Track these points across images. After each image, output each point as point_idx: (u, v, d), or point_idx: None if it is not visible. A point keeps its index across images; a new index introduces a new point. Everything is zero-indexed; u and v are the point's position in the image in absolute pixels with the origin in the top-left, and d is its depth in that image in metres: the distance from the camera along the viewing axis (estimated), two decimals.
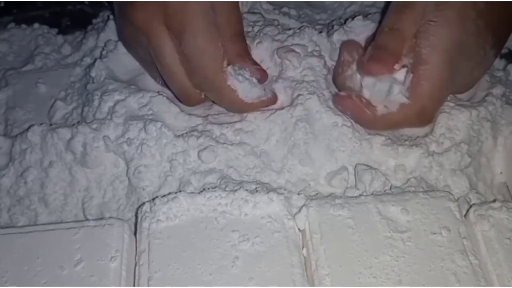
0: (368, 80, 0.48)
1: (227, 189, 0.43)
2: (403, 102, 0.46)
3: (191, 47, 0.46)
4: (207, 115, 0.50)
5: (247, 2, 0.61)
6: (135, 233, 0.41)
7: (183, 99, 0.50)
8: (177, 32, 0.46)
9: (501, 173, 0.50)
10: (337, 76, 0.51)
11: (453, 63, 0.46)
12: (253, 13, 0.60)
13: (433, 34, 0.45)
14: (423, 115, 0.47)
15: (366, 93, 0.48)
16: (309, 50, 0.52)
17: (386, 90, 0.47)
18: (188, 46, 0.46)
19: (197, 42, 0.46)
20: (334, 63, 0.53)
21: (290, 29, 0.56)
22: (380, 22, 0.51)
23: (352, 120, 0.48)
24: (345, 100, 0.48)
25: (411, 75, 0.46)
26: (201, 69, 0.47)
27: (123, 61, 0.55)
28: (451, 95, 0.52)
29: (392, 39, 0.47)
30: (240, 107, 0.48)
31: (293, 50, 0.51)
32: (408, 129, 0.49)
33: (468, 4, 0.45)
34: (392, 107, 0.46)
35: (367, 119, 0.47)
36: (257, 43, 0.53)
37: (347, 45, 0.52)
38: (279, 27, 0.56)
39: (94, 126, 0.48)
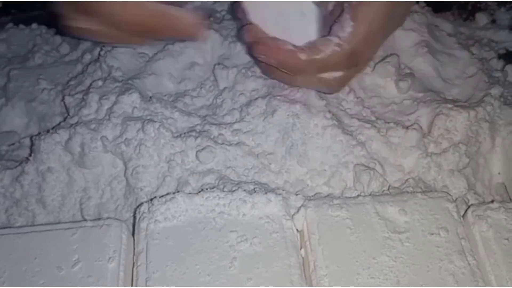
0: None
1: (225, 189, 0.43)
2: (336, 43, 0.43)
3: None
4: None
5: None
6: (133, 234, 0.41)
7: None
8: None
9: (499, 173, 0.50)
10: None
11: (393, 8, 0.45)
12: None
13: None
14: (353, 58, 0.45)
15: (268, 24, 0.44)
16: None
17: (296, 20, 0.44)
18: None
19: None
20: None
21: None
22: None
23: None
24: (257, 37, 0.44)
25: (346, 15, 0.43)
26: None
27: (122, 61, 0.55)
28: (449, 97, 0.52)
29: None
30: None
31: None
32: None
33: None
34: (321, 49, 0.43)
35: (292, 63, 0.44)
36: None
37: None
38: None
39: (92, 126, 0.48)
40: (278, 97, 0.49)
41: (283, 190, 0.44)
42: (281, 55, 0.44)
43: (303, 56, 0.44)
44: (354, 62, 0.45)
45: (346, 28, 0.43)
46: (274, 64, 0.45)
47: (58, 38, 0.64)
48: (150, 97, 0.51)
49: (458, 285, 0.37)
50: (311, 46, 0.44)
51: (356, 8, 0.44)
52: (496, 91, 0.51)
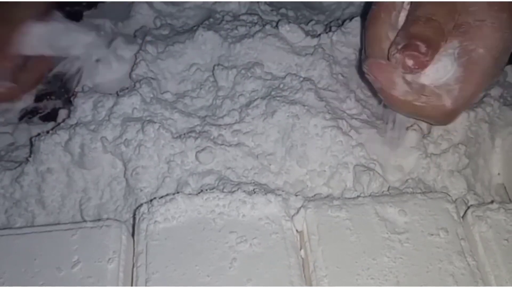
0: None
1: (225, 190, 0.43)
2: (444, 103, 0.42)
3: None
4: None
5: (245, 2, 0.61)
6: (132, 235, 0.41)
7: None
8: None
9: (498, 174, 0.50)
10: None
11: (497, 69, 0.43)
12: (251, 14, 0.60)
13: (488, 37, 0.42)
14: (450, 117, 0.44)
15: None
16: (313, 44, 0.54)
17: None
18: None
19: None
20: (336, 61, 0.53)
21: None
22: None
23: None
24: (383, 69, 0.42)
25: (458, 71, 0.42)
26: None
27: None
28: None
29: (432, 31, 0.41)
30: None
31: None
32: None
33: None
34: (426, 98, 0.41)
35: (387, 96, 0.42)
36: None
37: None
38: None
39: (92, 127, 0.48)
40: (278, 98, 0.49)
41: (282, 191, 0.44)
42: (384, 85, 0.42)
43: (400, 95, 0.42)
44: (449, 119, 0.44)
45: (454, 90, 0.41)
46: (375, 86, 0.44)
47: None
48: (150, 98, 0.51)
49: (457, 286, 0.37)
50: (416, 91, 0.42)
51: (467, 67, 0.41)
52: (495, 91, 0.51)
